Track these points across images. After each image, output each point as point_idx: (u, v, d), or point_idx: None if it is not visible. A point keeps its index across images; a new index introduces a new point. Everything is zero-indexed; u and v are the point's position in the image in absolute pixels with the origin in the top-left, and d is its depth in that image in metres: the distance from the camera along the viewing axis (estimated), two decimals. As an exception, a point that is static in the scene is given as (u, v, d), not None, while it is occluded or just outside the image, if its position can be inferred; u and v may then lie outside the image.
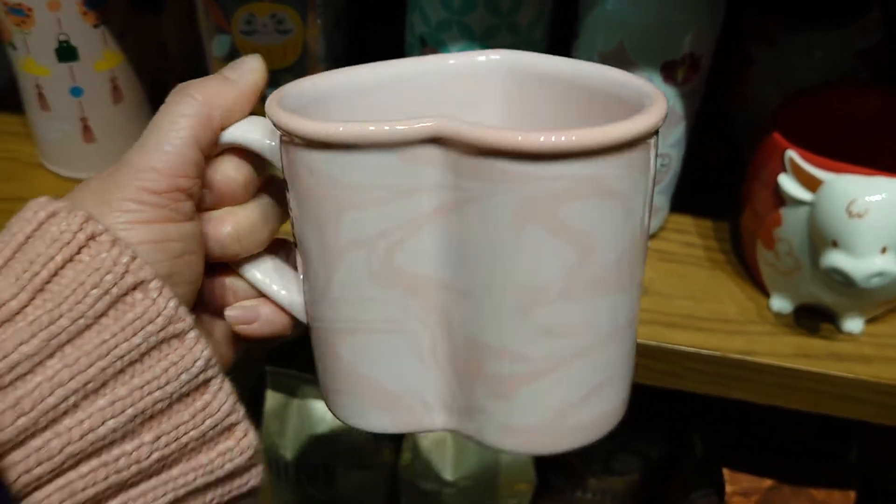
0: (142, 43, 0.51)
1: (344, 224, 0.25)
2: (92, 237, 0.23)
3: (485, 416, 0.27)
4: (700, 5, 0.40)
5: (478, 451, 0.66)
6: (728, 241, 0.49)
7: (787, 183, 0.39)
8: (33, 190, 0.25)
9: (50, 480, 0.22)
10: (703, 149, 0.50)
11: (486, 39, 0.42)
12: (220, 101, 0.26)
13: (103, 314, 0.23)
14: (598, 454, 0.69)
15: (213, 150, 0.27)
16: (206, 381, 0.24)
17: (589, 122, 0.23)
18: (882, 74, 0.50)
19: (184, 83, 0.27)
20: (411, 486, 0.69)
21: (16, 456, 0.21)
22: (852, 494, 0.58)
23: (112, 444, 0.23)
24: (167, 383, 0.23)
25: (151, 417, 0.23)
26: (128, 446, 0.23)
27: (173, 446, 0.24)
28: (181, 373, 0.23)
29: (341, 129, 0.23)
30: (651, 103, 0.24)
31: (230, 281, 0.29)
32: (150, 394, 0.23)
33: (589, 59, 0.41)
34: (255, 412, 0.69)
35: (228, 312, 0.29)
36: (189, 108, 0.26)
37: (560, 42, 0.44)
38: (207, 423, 0.24)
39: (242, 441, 0.25)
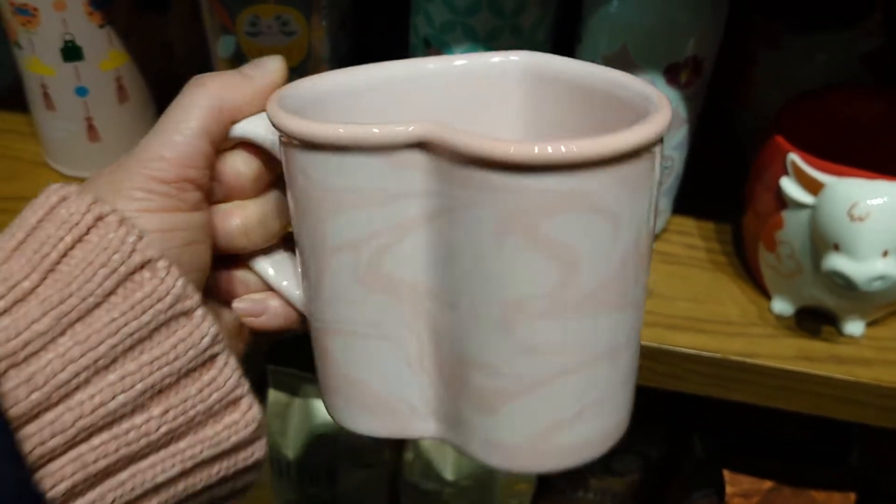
0: (147, 43, 0.51)
1: (332, 225, 0.25)
2: (100, 218, 0.24)
3: (470, 428, 0.26)
4: (703, 8, 0.40)
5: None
6: (730, 244, 0.49)
7: (789, 186, 0.39)
8: (38, 189, 0.25)
9: (63, 452, 0.22)
10: (705, 151, 0.50)
11: (490, 41, 0.42)
12: (234, 95, 0.27)
13: (112, 292, 0.23)
14: (598, 455, 0.69)
15: (224, 143, 0.27)
16: (213, 357, 0.25)
17: (603, 129, 0.22)
18: (885, 78, 0.50)
19: (201, 75, 0.27)
20: (413, 486, 0.69)
21: (30, 429, 0.22)
22: (852, 496, 0.58)
23: (122, 417, 0.23)
24: (175, 359, 0.24)
25: (160, 392, 0.24)
26: (137, 420, 0.23)
27: (181, 419, 0.24)
28: (189, 349, 0.24)
29: (327, 129, 0.23)
30: (652, 113, 0.23)
31: (242, 273, 0.30)
32: (158, 369, 0.24)
33: (592, 61, 0.41)
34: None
35: (237, 304, 0.29)
36: (202, 99, 0.26)
37: (563, 44, 0.44)
38: (214, 396, 0.25)
39: (247, 414, 0.25)
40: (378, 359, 0.27)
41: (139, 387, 0.23)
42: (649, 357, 0.43)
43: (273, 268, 0.29)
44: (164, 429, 0.24)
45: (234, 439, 0.25)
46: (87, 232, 0.23)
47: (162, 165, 0.25)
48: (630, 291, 0.25)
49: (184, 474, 0.25)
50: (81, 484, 0.22)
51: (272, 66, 0.28)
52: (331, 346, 0.27)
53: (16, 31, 0.47)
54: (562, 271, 0.23)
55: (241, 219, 0.28)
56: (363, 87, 0.28)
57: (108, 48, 0.48)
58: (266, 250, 0.29)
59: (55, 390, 0.22)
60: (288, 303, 0.29)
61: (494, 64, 0.29)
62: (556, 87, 0.28)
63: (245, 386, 0.25)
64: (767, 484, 0.58)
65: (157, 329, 0.24)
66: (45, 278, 0.23)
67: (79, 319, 0.23)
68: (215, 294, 0.29)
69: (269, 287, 0.29)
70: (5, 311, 0.22)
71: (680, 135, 0.44)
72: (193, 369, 0.24)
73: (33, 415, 0.22)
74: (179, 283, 0.24)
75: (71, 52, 0.47)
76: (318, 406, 0.68)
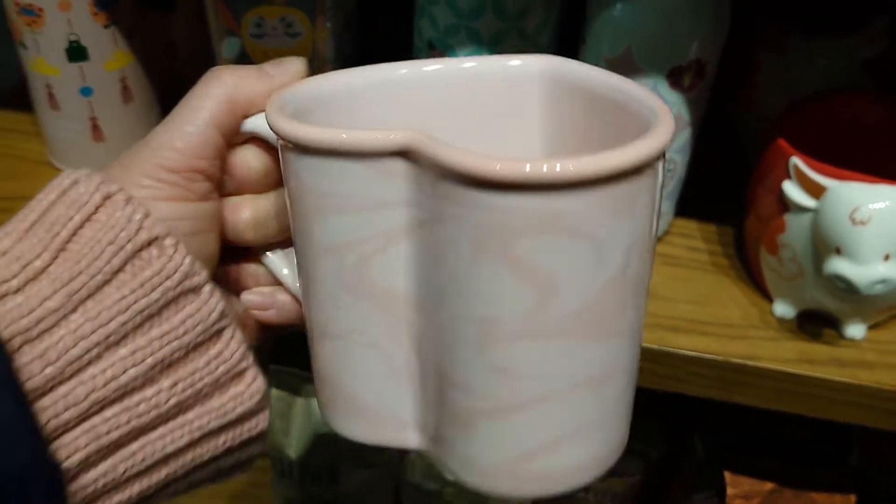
0: (151, 43, 0.51)
1: (320, 228, 0.25)
2: (107, 197, 0.24)
3: (448, 445, 0.26)
4: (707, 12, 0.40)
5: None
6: (732, 246, 0.49)
7: (791, 189, 0.40)
8: (41, 189, 0.26)
9: (77, 425, 0.23)
10: (708, 154, 0.50)
11: (494, 44, 0.42)
12: (249, 89, 0.27)
13: (120, 269, 0.24)
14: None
15: (236, 136, 0.28)
16: (220, 331, 0.25)
17: (617, 142, 0.21)
18: (887, 83, 0.50)
19: (220, 66, 0.28)
20: (414, 486, 0.69)
21: (45, 402, 0.22)
22: (853, 498, 0.58)
23: (133, 390, 0.24)
24: (184, 334, 0.25)
25: (169, 366, 0.25)
26: (148, 392, 0.24)
27: (189, 392, 0.25)
28: (197, 324, 0.25)
29: (311, 132, 0.23)
30: (653, 127, 0.22)
31: (253, 266, 0.30)
32: (168, 344, 0.24)
33: (596, 64, 0.41)
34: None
35: (245, 296, 0.30)
36: (216, 90, 0.27)
37: (567, 47, 0.44)
38: (221, 369, 0.25)
39: (252, 386, 0.26)
40: (364, 366, 0.27)
41: (149, 361, 0.24)
42: (651, 359, 0.43)
43: (281, 262, 0.29)
44: (173, 401, 0.24)
45: (239, 410, 0.26)
46: (96, 211, 0.24)
47: (172, 155, 0.26)
48: (616, 321, 0.23)
49: (192, 445, 0.25)
50: (94, 455, 0.23)
51: (293, 68, 0.28)
52: (321, 350, 0.27)
53: (21, 31, 0.47)
54: (538, 295, 0.22)
55: (250, 212, 0.28)
56: (364, 89, 0.28)
57: (112, 48, 0.48)
58: (276, 245, 0.29)
59: (68, 365, 0.23)
60: (295, 298, 0.30)
61: (514, 67, 0.28)
62: (575, 94, 0.27)
63: (250, 358, 0.26)
64: (768, 485, 0.58)
65: (166, 305, 0.24)
66: (56, 257, 0.24)
67: (89, 297, 0.23)
68: (225, 285, 0.30)
69: (278, 281, 0.30)
70: (19, 290, 0.23)
71: (683, 138, 0.44)
72: (201, 343, 0.25)
73: (47, 389, 0.23)
74: (187, 260, 0.24)
75: (76, 52, 0.47)
76: (320, 406, 0.68)
